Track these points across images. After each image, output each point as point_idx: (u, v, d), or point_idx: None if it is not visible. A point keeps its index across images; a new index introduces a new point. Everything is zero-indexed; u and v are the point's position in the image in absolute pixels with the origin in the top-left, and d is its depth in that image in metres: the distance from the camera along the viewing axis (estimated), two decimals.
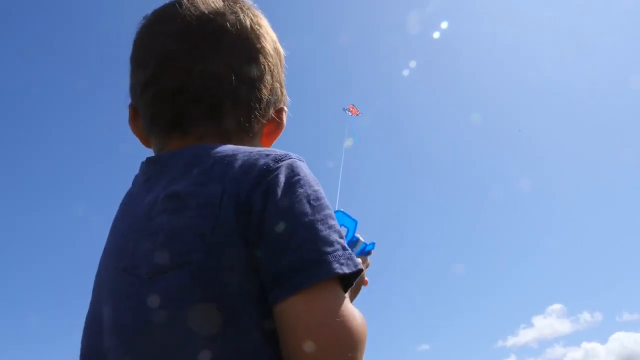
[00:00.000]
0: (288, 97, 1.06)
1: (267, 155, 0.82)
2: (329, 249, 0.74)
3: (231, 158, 0.82)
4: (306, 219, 0.76)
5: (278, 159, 0.81)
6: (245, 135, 0.95)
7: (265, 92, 0.95)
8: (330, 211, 0.80)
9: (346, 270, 0.74)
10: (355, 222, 1.13)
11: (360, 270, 0.77)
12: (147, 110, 0.95)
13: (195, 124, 0.91)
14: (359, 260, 0.78)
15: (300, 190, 0.78)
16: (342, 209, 1.13)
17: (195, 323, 0.73)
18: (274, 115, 0.99)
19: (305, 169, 0.82)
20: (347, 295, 0.76)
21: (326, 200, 0.81)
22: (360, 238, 1.13)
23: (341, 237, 0.78)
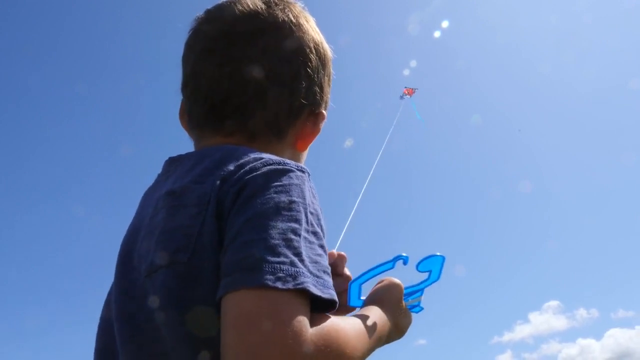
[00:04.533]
0: (331, 103, 1.04)
1: (261, 159, 0.80)
2: (271, 259, 0.68)
3: (230, 159, 0.81)
4: (262, 222, 0.71)
5: (268, 163, 0.78)
6: (273, 137, 0.93)
7: (297, 95, 0.94)
8: (298, 226, 0.72)
9: (280, 285, 0.66)
10: (438, 274, 0.99)
11: (303, 291, 0.67)
12: (187, 107, 0.98)
13: (223, 123, 0.92)
14: (305, 280, 0.68)
15: (273, 196, 0.74)
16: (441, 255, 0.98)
17: (179, 324, 0.73)
18: (308, 119, 0.97)
19: (295, 179, 0.77)
20: (296, 311, 0.66)
21: (302, 215, 0.74)
22: (422, 297, 1.01)
23: (298, 255, 0.70)
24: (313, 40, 0.97)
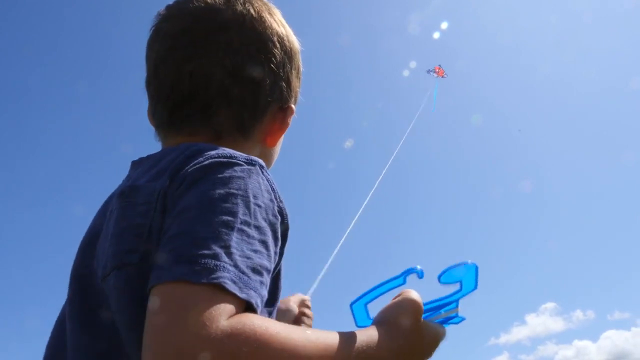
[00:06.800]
0: (300, 97, 1.02)
1: (206, 153, 0.77)
2: (193, 251, 0.63)
3: (183, 156, 0.79)
4: (192, 215, 0.68)
5: (213, 157, 0.75)
6: (239, 134, 0.92)
7: (261, 92, 0.92)
8: (232, 219, 0.67)
9: (193, 278, 0.61)
10: (474, 283, 0.82)
11: (217, 286, 0.61)
12: (151, 106, 0.96)
13: (186, 123, 0.90)
14: (223, 275, 0.62)
15: (207, 188, 0.70)
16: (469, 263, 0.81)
17: (135, 327, 0.69)
18: (276, 115, 0.95)
19: (239, 172, 0.73)
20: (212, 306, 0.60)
21: (239, 208, 0.68)
22: (458, 308, 0.84)
23: (226, 248, 0.64)
24: (277, 34, 0.94)
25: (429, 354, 0.80)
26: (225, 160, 0.75)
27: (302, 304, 1.33)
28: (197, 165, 0.74)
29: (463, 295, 0.83)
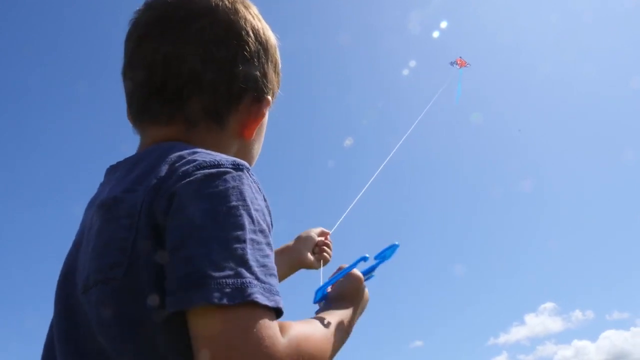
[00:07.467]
0: (278, 90, 1.02)
1: (195, 161, 0.76)
2: (215, 274, 0.66)
3: (163, 162, 0.78)
4: (201, 234, 0.68)
5: (202, 166, 0.75)
6: (213, 123, 0.91)
7: (235, 79, 0.91)
8: (241, 232, 0.70)
9: (226, 301, 0.64)
10: (389, 256, 1.21)
11: (253, 303, 0.66)
12: (127, 98, 0.96)
13: (160, 110, 0.90)
14: (252, 291, 0.67)
15: (207, 203, 0.71)
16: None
17: (121, 341, 0.71)
18: (252, 105, 0.95)
19: (232, 181, 0.74)
20: (251, 319, 0.66)
21: (244, 219, 0.71)
22: (374, 271, 1.19)
23: (244, 263, 0.68)
24: (251, 25, 0.95)
25: (366, 305, 1.08)
26: (214, 171, 0.74)
27: (322, 233, 1.55)
28: (188, 179, 0.74)
29: (380, 264, 1.20)
